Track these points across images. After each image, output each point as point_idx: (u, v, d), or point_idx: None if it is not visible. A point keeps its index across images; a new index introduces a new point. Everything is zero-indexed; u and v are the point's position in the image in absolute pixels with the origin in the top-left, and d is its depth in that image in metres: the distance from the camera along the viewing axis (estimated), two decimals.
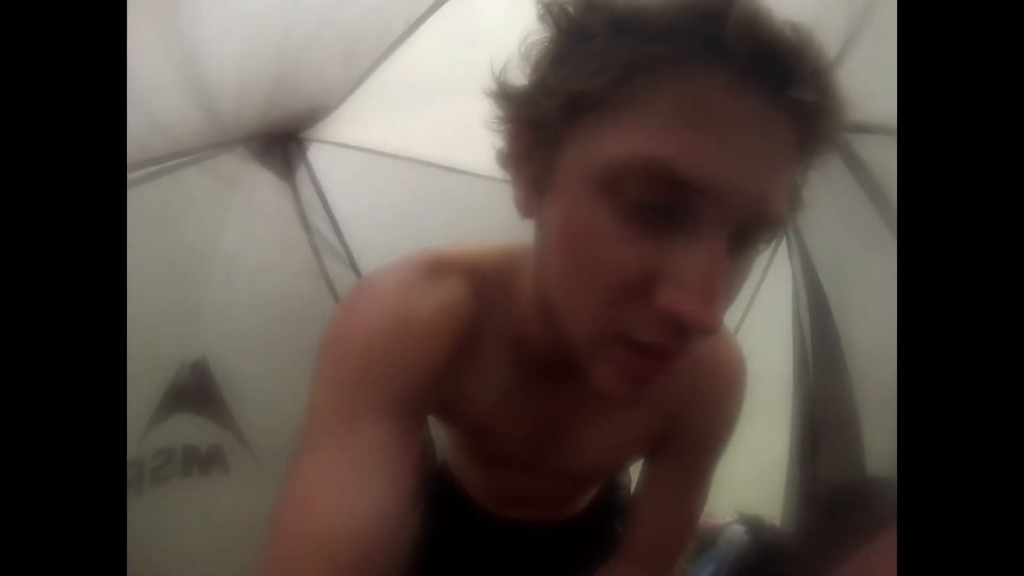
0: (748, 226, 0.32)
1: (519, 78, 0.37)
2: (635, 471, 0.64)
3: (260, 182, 1.01)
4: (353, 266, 1.17)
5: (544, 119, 0.35)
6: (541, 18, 0.34)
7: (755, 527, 1.31)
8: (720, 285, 0.31)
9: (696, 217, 0.31)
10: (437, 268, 0.46)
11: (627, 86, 0.30)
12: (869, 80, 0.85)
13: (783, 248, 1.14)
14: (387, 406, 0.40)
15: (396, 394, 0.41)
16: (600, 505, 0.77)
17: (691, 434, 0.55)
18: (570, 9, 0.33)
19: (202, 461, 0.99)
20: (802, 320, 1.12)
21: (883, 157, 0.90)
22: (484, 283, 0.47)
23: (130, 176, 0.78)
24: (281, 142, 1.01)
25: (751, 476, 1.17)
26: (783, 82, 0.29)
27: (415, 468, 0.41)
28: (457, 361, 0.46)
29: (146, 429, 0.93)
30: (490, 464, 0.64)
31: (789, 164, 0.33)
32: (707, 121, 0.29)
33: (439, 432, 0.75)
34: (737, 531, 1.30)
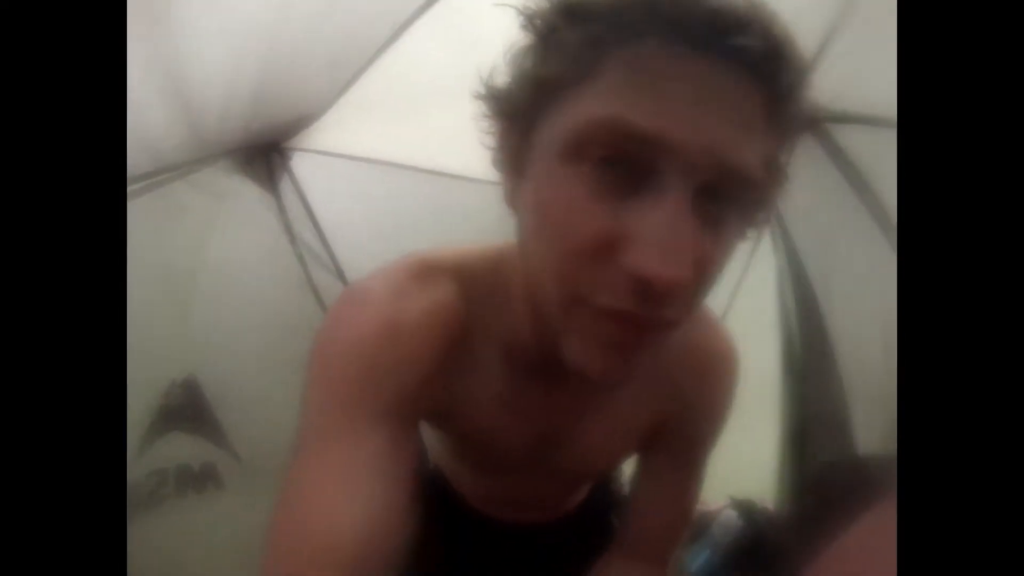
0: (716, 185, 0.32)
1: (503, 80, 0.39)
2: (629, 464, 0.65)
3: (244, 194, 1.00)
4: (340, 274, 1.16)
5: (520, 109, 0.37)
6: (523, 27, 0.36)
7: (747, 511, 1.33)
8: (684, 241, 0.31)
9: (658, 175, 0.31)
10: (425, 272, 0.45)
11: (585, 65, 0.32)
12: (852, 71, 0.87)
13: (768, 240, 1.16)
14: (380, 412, 0.40)
15: (389, 400, 0.40)
16: (594, 501, 0.77)
17: (684, 426, 0.55)
18: (545, 12, 0.35)
19: (196, 480, 0.98)
20: (788, 308, 1.14)
21: (865, 147, 0.93)
22: (473, 285, 0.46)
23: None
24: (264, 153, 1.00)
25: (743, 463, 1.18)
26: (730, 41, 0.30)
27: (411, 473, 0.41)
28: (449, 365, 0.45)
29: (139, 451, 0.92)
30: (484, 467, 0.63)
31: (753, 123, 0.33)
32: (657, 82, 0.31)
33: (429, 436, 0.75)
34: (730, 516, 1.32)
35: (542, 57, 0.35)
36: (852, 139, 0.94)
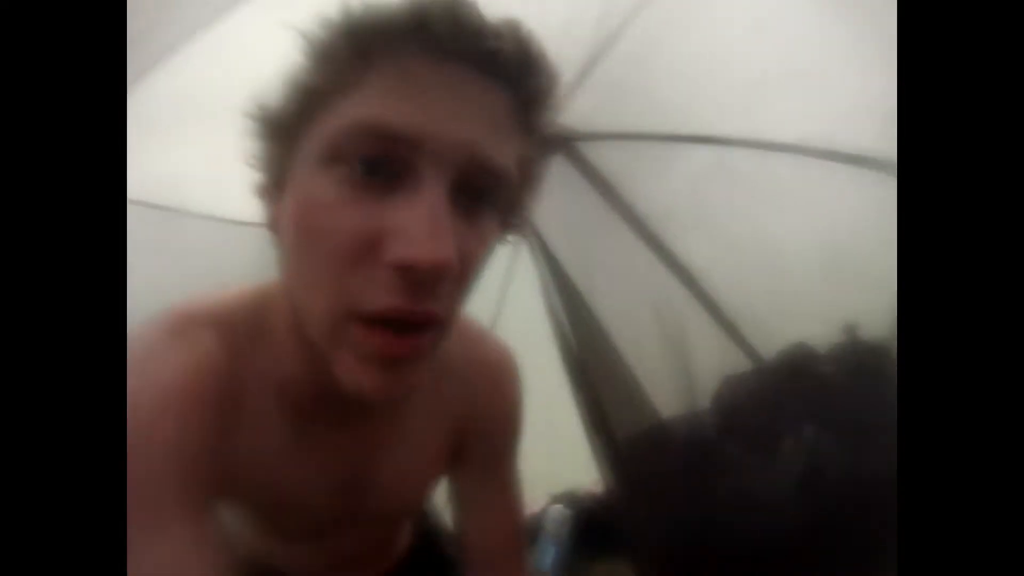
0: (471, 182, 0.35)
1: (274, 97, 0.38)
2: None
3: None
4: None
5: (286, 123, 0.37)
6: (296, 43, 0.36)
7: (573, 501, 1.44)
8: (444, 227, 0.33)
9: (414, 173, 0.33)
10: (181, 325, 0.41)
11: (350, 75, 0.34)
12: (605, 95, 0.98)
13: (527, 251, 1.27)
14: (172, 490, 0.35)
15: (177, 476, 0.36)
16: (422, 540, 0.74)
17: (483, 439, 0.56)
18: (318, 28, 0.36)
19: None
20: (556, 309, 1.25)
21: (610, 161, 1.09)
22: (236, 331, 0.42)
23: None
24: None
25: (558, 457, 1.26)
26: (480, 49, 0.34)
27: (225, 553, 0.37)
28: (224, 425, 0.40)
29: None
30: (297, 534, 0.56)
31: (502, 124, 0.36)
32: (413, 86, 0.34)
33: (235, 521, 0.65)
34: (557, 510, 1.40)
35: (312, 69, 0.36)
36: (598, 154, 1.09)
